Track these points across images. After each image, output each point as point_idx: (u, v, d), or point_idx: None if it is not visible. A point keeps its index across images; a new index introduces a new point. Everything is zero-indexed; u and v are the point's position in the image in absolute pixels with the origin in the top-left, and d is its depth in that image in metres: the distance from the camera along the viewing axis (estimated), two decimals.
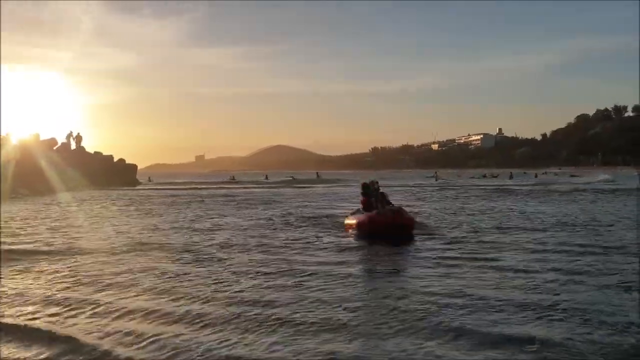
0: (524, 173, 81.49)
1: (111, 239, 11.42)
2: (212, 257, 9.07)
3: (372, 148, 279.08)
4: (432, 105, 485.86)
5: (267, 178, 64.24)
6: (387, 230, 10.94)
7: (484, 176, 70.82)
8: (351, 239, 11.33)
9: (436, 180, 56.32)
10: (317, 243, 10.68)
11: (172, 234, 12.28)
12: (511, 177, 64.98)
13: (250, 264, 8.55)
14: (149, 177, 63.28)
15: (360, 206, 13.23)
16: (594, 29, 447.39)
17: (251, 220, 15.67)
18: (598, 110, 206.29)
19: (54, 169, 39.04)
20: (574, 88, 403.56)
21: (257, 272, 7.85)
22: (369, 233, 11.31)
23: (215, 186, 46.48)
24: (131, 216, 17.19)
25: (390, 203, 12.85)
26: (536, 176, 70.91)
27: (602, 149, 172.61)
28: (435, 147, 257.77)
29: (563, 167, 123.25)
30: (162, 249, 9.94)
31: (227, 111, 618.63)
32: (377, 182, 13.60)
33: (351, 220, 12.73)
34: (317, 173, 73.77)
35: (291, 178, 62.63)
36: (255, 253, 9.56)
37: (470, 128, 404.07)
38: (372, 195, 12.90)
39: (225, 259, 8.93)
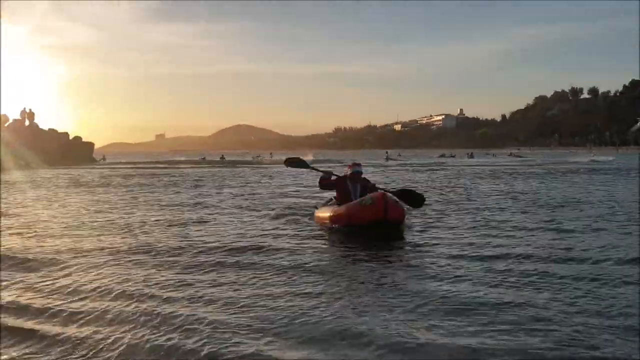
0: (486, 154, 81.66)
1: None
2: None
3: (335, 128, 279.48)
4: (394, 88, 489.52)
5: (223, 158, 60.11)
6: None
7: (442, 155, 71.25)
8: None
9: (387, 160, 55.62)
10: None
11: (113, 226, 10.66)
12: (471, 156, 65.32)
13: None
14: (103, 156, 61.07)
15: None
16: (553, 17, 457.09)
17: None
18: (555, 92, 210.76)
19: (5, 147, 37.89)
20: (531, 74, 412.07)
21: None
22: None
23: (172, 166, 44.65)
24: (79, 202, 15.60)
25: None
26: (494, 156, 72.22)
27: (559, 130, 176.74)
28: (397, 127, 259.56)
29: (522, 148, 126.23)
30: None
31: (188, 90, 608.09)
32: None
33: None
34: (270, 153, 71.57)
35: (253, 158, 61.15)
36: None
37: (432, 109, 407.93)
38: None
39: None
